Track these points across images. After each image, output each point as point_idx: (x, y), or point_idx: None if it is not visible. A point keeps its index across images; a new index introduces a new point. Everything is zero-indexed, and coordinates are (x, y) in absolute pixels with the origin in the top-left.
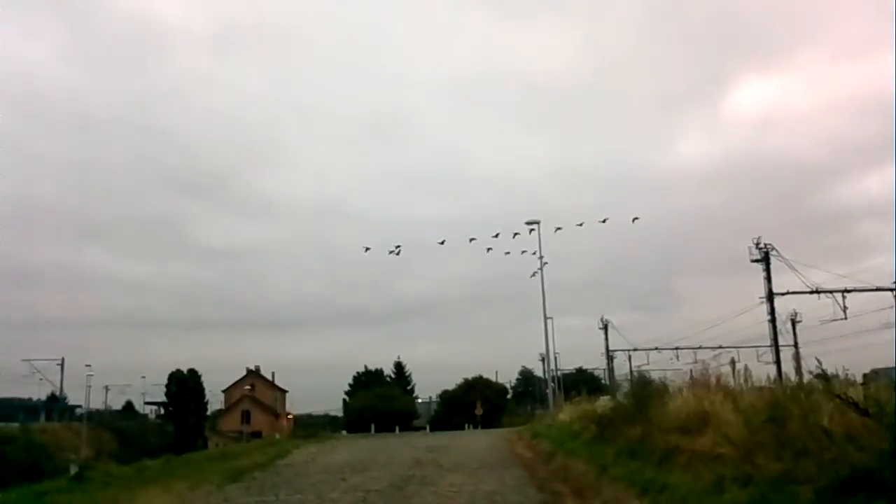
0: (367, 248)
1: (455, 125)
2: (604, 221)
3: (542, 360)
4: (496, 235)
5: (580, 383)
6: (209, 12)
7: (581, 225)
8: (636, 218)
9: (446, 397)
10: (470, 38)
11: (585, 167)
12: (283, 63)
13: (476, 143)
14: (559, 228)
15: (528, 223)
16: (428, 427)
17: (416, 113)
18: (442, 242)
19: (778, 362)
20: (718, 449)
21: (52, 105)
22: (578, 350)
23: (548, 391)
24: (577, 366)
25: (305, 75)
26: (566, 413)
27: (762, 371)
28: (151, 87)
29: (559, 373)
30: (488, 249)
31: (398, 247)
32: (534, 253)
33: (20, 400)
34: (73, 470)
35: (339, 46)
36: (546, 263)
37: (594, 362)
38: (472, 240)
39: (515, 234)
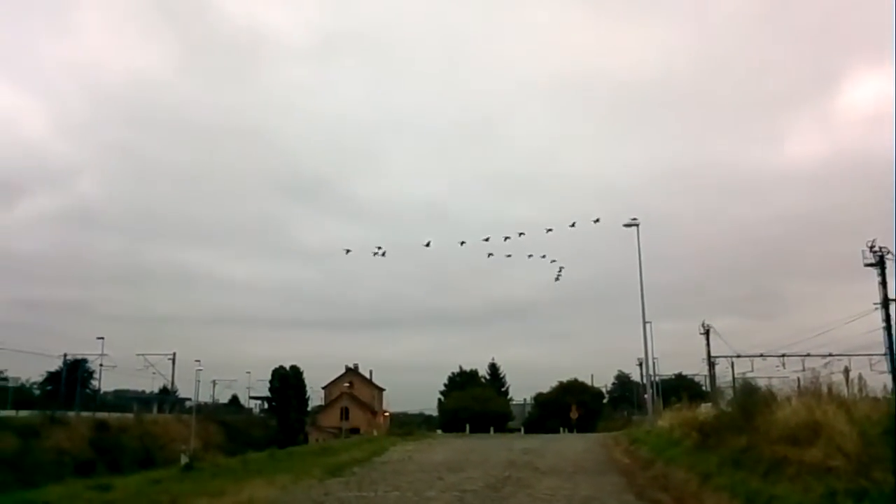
0: (348, 251)
1: (547, 126)
2: (634, 223)
3: (640, 364)
4: (549, 230)
5: (679, 389)
6: (313, 23)
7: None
8: (635, 220)
9: (541, 400)
10: (563, 39)
11: (682, 168)
12: (380, 70)
13: (569, 144)
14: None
15: (627, 225)
16: (522, 429)
17: (508, 115)
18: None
19: (894, 371)
20: (830, 461)
21: (165, 114)
22: (677, 355)
23: (646, 396)
24: (676, 371)
25: (401, 80)
26: (665, 419)
27: (877, 380)
28: (257, 95)
29: (657, 378)
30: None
31: (380, 248)
32: (543, 256)
33: (135, 392)
34: (184, 460)
35: (434, 51)
36: (563, 268)
37: (694, 368)
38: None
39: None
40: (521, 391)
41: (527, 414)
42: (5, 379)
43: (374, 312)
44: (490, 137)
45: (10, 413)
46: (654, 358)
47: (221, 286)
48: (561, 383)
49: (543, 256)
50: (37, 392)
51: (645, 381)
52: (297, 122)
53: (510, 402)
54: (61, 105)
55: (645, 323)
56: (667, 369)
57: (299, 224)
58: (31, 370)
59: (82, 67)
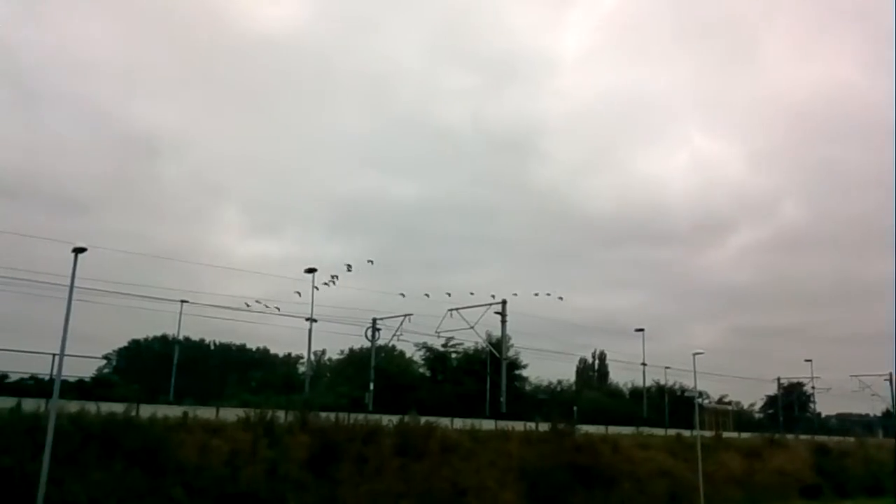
0: None
1: None
2: None
3: None
4: None
5: None
6: None
7: None
8: None
9: None
10: None
11: None
12: None
13: None
14: None
15: None
16: None
17: None
18: None
19: None
20: None
21: (860, 119)
22: None
23: None
24: None
25: None
26: None
27: None
28: None
29: None
30: None
31: None
32: None
33: (854, 415)
34: None
35: None
36: None
37: None
38: None
39: None
40: None
41: None
42: (728, 403)
43: None
44: None
45: (733, 435)
46: None
47: None
48: None
49: None
50: (757, 415)
51: None
52: None
53: None
54: (753, 139)
55: None
56: None
57: None
58: (749, 394)
59: (766, 97)
